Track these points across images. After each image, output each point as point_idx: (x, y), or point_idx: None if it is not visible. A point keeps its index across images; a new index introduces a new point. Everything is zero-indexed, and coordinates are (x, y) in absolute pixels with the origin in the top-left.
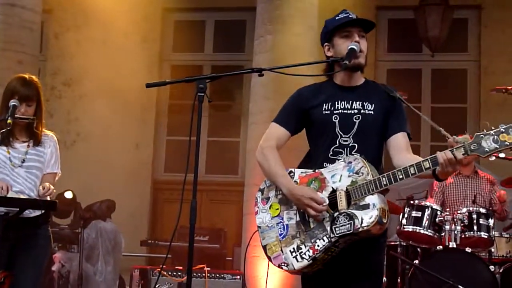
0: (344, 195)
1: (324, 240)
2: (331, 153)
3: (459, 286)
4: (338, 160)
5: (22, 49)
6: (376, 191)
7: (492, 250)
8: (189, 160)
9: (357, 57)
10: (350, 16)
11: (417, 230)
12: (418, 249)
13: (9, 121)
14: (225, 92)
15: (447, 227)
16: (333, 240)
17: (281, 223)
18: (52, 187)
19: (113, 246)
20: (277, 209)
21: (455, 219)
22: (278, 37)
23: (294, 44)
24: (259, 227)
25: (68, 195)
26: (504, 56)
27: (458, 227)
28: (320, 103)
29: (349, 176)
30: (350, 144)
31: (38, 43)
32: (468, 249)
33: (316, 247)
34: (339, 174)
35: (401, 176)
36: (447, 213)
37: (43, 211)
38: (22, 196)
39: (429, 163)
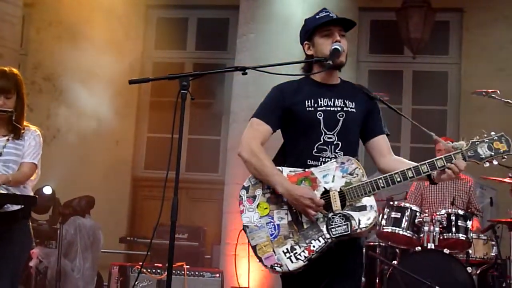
0: (338, 196)
1: (319, 241)
2: (315, 150)
3: (437, 287)
4: (322, 157)
5: (3, 42)
6: (373, 192)
7: (470, 251)
8: (171, 157)
9: (339, 56)
10: (330, 15)
11: (396, 231)
12: (397, 250)
13: None
14: (206, 90)
15: (426, 228)
16: (329, 241)
17: (272, 223)
18: (7, 174)
19: (91, 243)
20: (266, 208)
21: (433, 221)
22: (261, 36)
23: (276, 43)
24: (246, 226)
25: (47, 190)
26: (484, 60)
27: (437, 229)
28: (302, 100)
29: (342, 177)
30: (335, 142)
31: (19, 37)
32: (446, 251)
33: (312, 248)
34: (332, 175)
35: (399, 179)
36: (426, 215)
37: (21, 206)
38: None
39: (427, 167)
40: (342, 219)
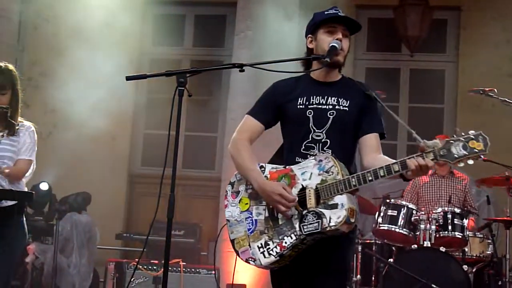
0: (314, 194)
1: (291, 238)
2: (303, 147)
3: (433, 285)
4: (310, 155)
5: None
6: (345, 191)
7: (466, 250)
8: (168, 154)
9: (337, 54)
10: (339, 13)
11: (393, 229)
12: (393, 248)
13: None
14: (203, 87)
15: (422, 226)
16: (301, 237)
17: (250, 218)
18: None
19: (88, 239)
20: (247, 203)
21: (430, 219)
22: (258, 33)
23: (274, 40)
24: (228, 220)
25: (44, 186)
26: (481, 58)
27: (433, 227)
28: (296, 97)
29: (319, 175)
30: (323, 140)
31: (16, 32)
32: (442, 249)
33: (284, 244)
34: (309, 172)
35: (370, 178)
36: (422, 213)
37: (16, 202)
38: None
39: (398, 166)
40: (315, 217)
